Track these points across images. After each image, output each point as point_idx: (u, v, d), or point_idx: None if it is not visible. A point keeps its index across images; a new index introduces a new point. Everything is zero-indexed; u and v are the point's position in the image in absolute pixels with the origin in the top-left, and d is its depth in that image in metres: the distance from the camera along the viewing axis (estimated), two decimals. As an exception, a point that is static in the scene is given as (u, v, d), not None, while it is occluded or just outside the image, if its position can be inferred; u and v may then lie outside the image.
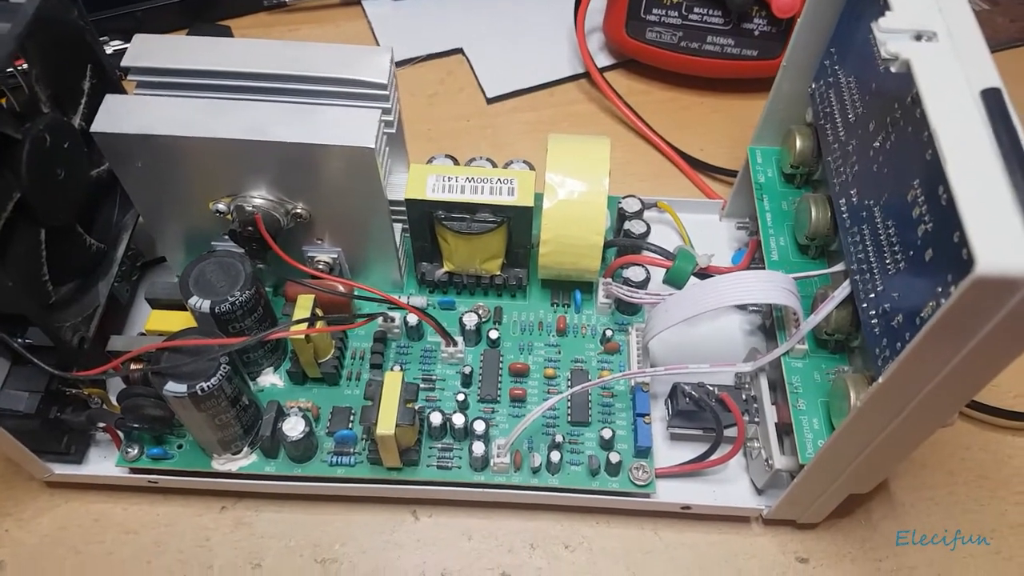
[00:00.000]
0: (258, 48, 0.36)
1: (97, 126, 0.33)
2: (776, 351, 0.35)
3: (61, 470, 0.38)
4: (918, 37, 0.27)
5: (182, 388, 0.32)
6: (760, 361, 0.36)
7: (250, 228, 0.36)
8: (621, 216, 0.44)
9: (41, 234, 0.33)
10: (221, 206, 0.36)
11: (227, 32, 0.59)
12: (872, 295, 0.31)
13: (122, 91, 0.37)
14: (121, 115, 0.34)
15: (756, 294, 0.34)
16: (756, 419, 0.38)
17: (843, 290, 0.33)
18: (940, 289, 0.26)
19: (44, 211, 0.33)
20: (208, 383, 0.32)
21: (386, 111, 0.35)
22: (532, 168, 0.41)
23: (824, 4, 0.36)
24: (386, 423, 0.34)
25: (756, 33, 0.52)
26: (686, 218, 0.47)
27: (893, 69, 0.26)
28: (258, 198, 0.36)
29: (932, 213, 0.27)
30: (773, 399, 0.37)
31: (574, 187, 0.39)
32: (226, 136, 0.33)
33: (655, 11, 0.53)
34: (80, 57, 0.36)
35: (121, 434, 0.38)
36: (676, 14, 0.52)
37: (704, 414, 0.38)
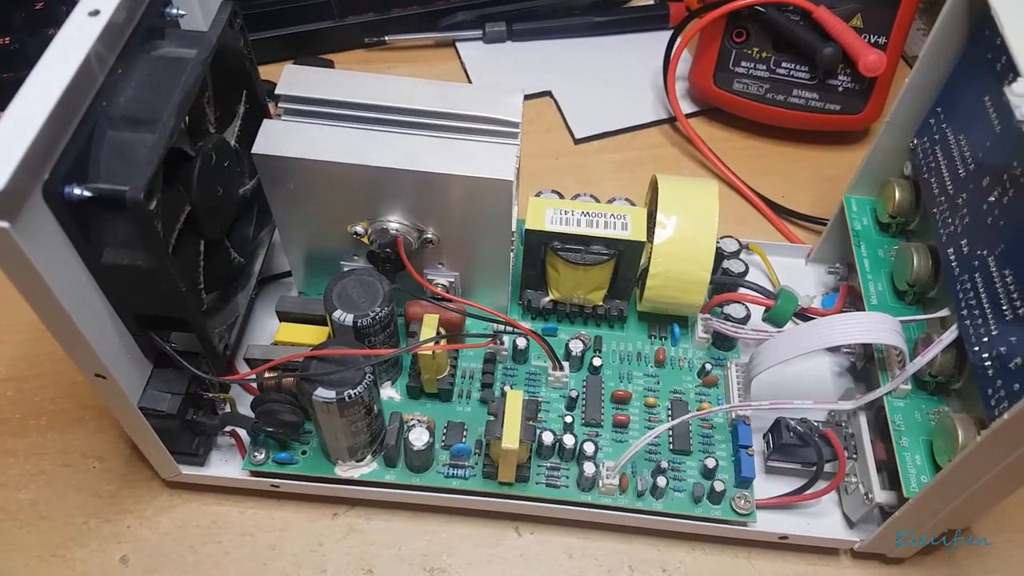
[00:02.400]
0: (398, 84, 0.38)
1: (258, 148, 0.36)
2: (882, 389, 0.37)
3: (188, 471, 0.40)
4: (1048, 102, 0.29)
5: (331, 394, 0.34)
6: (865, 399, 0.38)
7: (388, 250, 0.38)
8: (719, 255, 0.46)
9: (201, 245, 0.36)
10: (359, 228, 0.39)
11: (330, 65, 0.62)
12: (985, 339, 0.33)
13: (269, 117, 0.40)
14: (279, 139, 0.37)
15: (868, 334, 0.36)
16: (854, 455, 0.39)
17: (951, 334, 0.35)
18: (1066, 335, 0.28)
19: (206, 224, 0.35)
20: (355, 390, 0.34)
21: (517, 148, 0.38)
22: (635, 205, 0.43)
23: (933, 66, 0.38)
24: (511, 437, 0.36)
25: (840, 89, 0.55)
26: (772, 261, 0.49)
27: (1025, 131, 0.29)
28: (396, 223, 0.39)
29: (1055, 264, 0.29)
30: (874, 439, 0.39)
31: (684, 225, 0.41)
32: (378, 164, 0.36)
33: (744, 64, 0.56)
34: (240, 83, 0.38)
35: (247, 439, 0.40)
36: (764, 67, 0.55)
37: (803, 449, 0.39)
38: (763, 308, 0.43)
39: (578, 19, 0.65)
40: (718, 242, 0.46)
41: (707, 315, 0.44)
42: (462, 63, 0.63)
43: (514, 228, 0.41)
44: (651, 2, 0.67)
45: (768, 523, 0.40)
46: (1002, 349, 0.32)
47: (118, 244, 0.31)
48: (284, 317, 0.42)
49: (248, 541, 0.40)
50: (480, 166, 0.36)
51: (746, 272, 0.45)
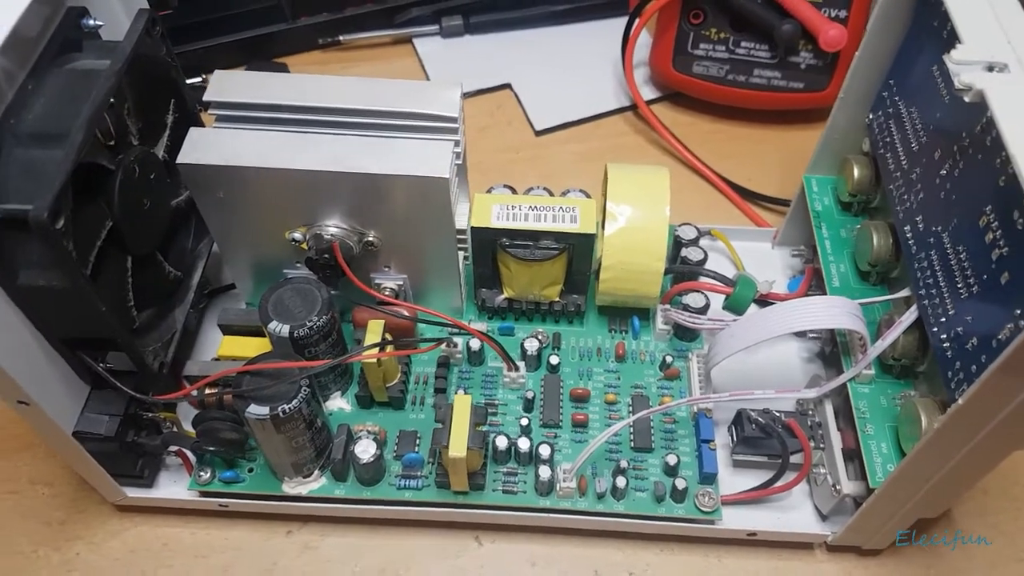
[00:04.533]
0: (331, 84, 0.37)
1: (183, 157, 0.35)
2: (844, 376, 0.36)
3: (134, 493, 0.39)
4: (990, 68, 0.28)
5: (264, 411, 0.33)
6: (828, 386, 0.36)
7: (326, 256, 0.37)
8: (677, 244, 0.44)
9: (128, 262, 0.34)
10: (297, 235, 0.37)
11: (284, 69, 0.61)
12: (943, 319, 0.31)
13: (201, 125, 0.39)
14: (205, 147, 0.35)
15: (824, 319, 0.34)
16: (821, 445, 0.38)
17: (911, 315, 0.34)
18: (1019, 311, 0.26)
19: (132, 239, 0.34)
20: (289, 405, 0.33)
21: (456, 143, 0.37)
22: (589, 197, 0.42)
23: (883, 38, 0.37)
24: (458, 445, 0.34)
25: (803, 66, 0.53)
26: (738, 246, 0.48)
27: (967, 99, 0.27)
28: (333, 227, 0.37)
29: (1007, 238, 0.28)
30: (839, 425, 0.37)
31: (635, 215, 0.39)
32: (307, 168, 0.35)
33: (702, 46, 0.54)
34: (165, 92, 0.37)
35: (193, 458, 0.39)
36: (723, 48, 0.54)
37: (769, 441, 0.38)
38: (723, 296, 0.41)
39: (537, 9, 0.64)
40: (675, 230, 0.44)
41: (667, 306, 0.42)
42: (420, 59, 0.62)
43: (465, 226, 0.40)
44: None
45: (735, 520, 0.38)
46: (959, 329, 0.30)
47: (32, 265, 0.30)
48: (227, 330, 0.40)
49: (201, 563, 0.39)
50: (415, 164, 0.35)
51: (705, 260, 0.43)
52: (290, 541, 0.40)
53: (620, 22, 0.59)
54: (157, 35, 0.36)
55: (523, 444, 0.38)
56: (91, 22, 0.35)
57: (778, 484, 0.38)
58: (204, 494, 0.39)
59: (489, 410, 0.40)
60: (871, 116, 0.39)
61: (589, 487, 0.38)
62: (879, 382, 0.36)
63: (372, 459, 0.36)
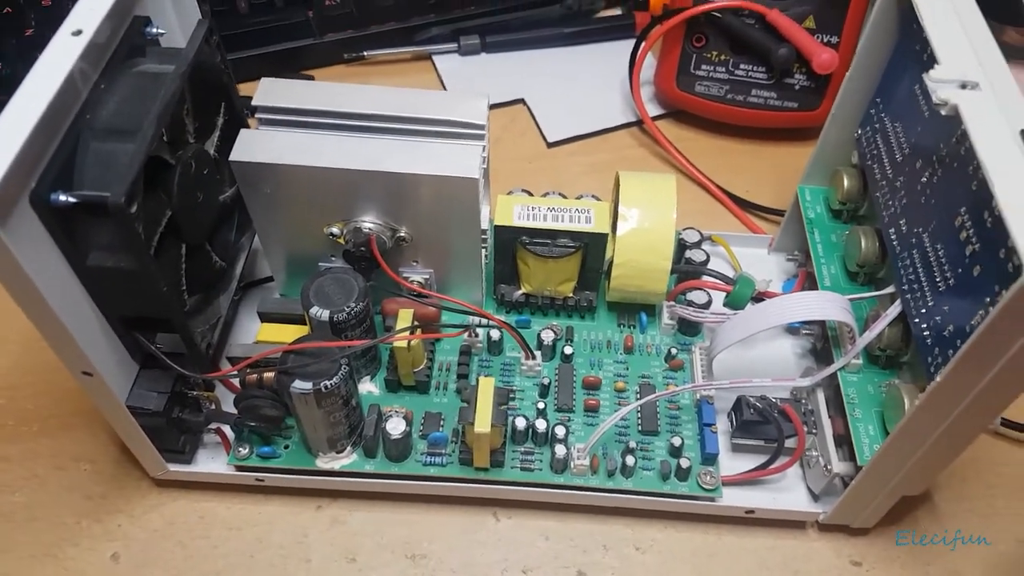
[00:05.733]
0: (368, 92, 0.41)
1: (235, 155, 0.38)
2: (835, 365, 0.39)
3: (175, 467, 0.42)
4: (963, 86, 0.31)
5: (307, 386, 0.36)
6: (820, 374, 0.40)
7: (363, 248, 0.40)
8: (682, 246, 0.48)
9: (183, 249, 0.38)
10: (334, 230, 0.41)
11: (310, 80, 0.64)
12: (923, 310, 0.35)
13: (247, 127, 0.42)
14: (255, 147, 0.39)
15: (817, 311, 0.38)
16: (813, 430, 0.41)
17: (895, 308, 0.37)
18: (988, 299, 0.30)
19: (188, 229, 0.37)
20: (331, 381, 0.36)
21: (483, 148, 0.40)
22: (600, 200, 0.45)
23: (870, 61, 0.40)
24: (483, 422, 0.38)
25: (797, 87, 0.57)
26: (737, 251, 0.51)
27: (943, 112, 0.31)
28: (369, 223, 0.41)
29: (979, 235, 0.31)
30: (830, 412, 0.41)
31: (645, 217, 0.43)
32: (348, 167, 0.38)
33: (704, 67, 0.58)
34: (218, 96, 0.41)
35: (231, 436, 0.42)
36: (724, 69, 0.58)
37: (765, 426, 0.41)
38: (724, 294, 0.45)
39: (549, 31, 0.68)
40: (680, 233, 0.48)
41: (672, 303, 0.46)
42: (439, 75, 0.66)
43: (486, 226, 0.43)
44: (618, 12, 0.70)
45: (735, 498, 0.41)
46: (938, 318, 0.34)
47: (102, 247, 0.33)
48: (265, 318, 0.44)
49: (235, 535, 0.42)
50: (446, 165, 0.38)
51: (707, 261, 0.47)
52: (320, 515, 0.43)
53: (626, 44, 0.63)
54: (214, 44, 0.39)
55: (540, 425, 0.41)
56: (154, 30, 0.38)
57: (774, 465, 0.41)
58: (241, 468, 0.42)
59: (509, 396, 0.43)
60: (859, 131, 0.43)
61: (601, 465, 0.41)
62: (866, 371, 0.40)
63: (401, 435, 0.39)
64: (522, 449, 0.42)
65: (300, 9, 0.64)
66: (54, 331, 0.32)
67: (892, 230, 0.39)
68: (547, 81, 0.65)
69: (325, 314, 0.39)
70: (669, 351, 0.45)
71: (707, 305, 0.45)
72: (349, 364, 0.37)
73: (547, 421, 0.41)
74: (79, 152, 0.32)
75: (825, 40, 0.55)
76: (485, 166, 0.41)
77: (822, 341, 0.44)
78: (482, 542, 0.42)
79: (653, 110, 0.63)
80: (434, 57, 0.67)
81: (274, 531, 0.42)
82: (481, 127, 0.40)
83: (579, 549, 0.42)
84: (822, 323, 0.43)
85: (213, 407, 0.42)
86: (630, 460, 0.40)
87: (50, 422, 0.46)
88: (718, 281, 0.45)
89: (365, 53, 0.66)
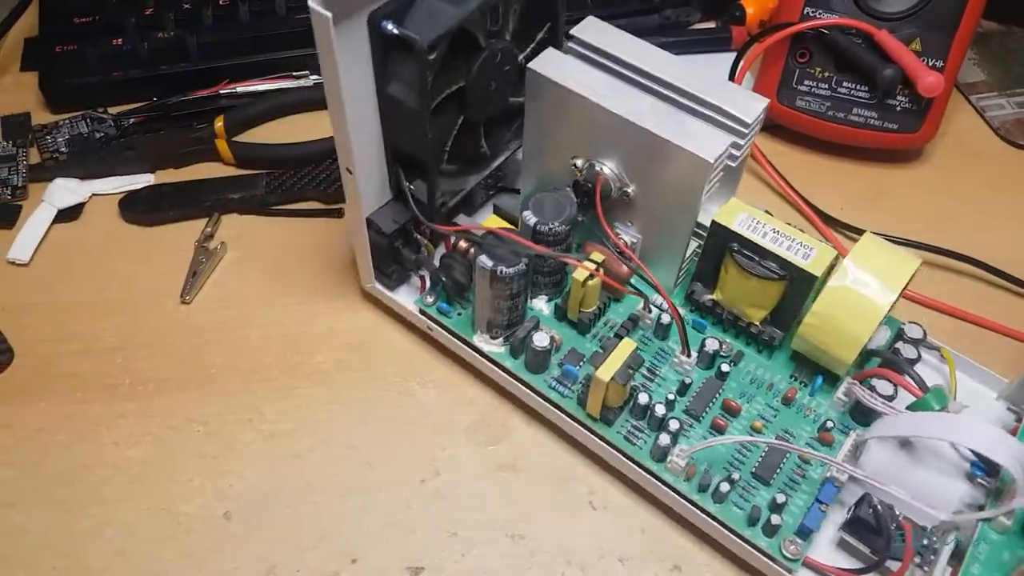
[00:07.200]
0: (665, 58, 0.44)
1: (535, 65, 0.44)
2: (979, 513, 0.35)
3: (380, 287, 0.50)
4: None
5: (489, 264, 0.41)
6: (960, 517, 0.36)
7: (589, 185, 0.44)
8: (899, 336, 0.45)
9: (459, 120, 0.45)
10: (578, 162, 0.45)
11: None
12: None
13: (560, 50, 0.48)
14: (552, 65, 0.44)
15: (989, 448, 0.34)
16: (923, 566, 0.37)
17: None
18: None
19: (471, 105, 0.44)
20: (508, 269, 0.41)
21: (736, 145, 0.42)
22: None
23: None
24: (606, 371, 0.40)
25: (898, 108, 0.58)
26: (962, 379, 0.46)
27: None
28: (607, 167, 0.44)
29: None
30: (951, 562, 0.37)
31: (865, 282, 0.41)
32: (612, 109, 0.42)
33: (807, 82, 0.59)
34: (547, 15, 0.47)
35: (428, 283, 0.49)
36: (826, 86, 0.59)
37: (876, 536, 0.38)
38: (913, 398, 0.41)
39: (647, 39, 0.65)
40: (904, 324, 0.45)
41: (856, 382, 0.43)
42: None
43: (706, 221, 0.44)
44: (713, 25, 0.69)
45: (808, 584, 0.39)
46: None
47: (401, 81, 0.41)
48: (497, 211, 0.50)
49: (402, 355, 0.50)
50: (689, 140, 0.41)
51: (917, 360, 0.43)
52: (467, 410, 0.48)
53: (721, 56, 0.65)
54: (563, -29, 0.45)
55: (659, 410, 0.42)
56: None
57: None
58: (423, 313, 0.49)
59: (648, 375, 0.45)
60: None
61: (696, 476, 0.41)
62: (1013, 537, 0.35)
63: (542, 349, 0.43)
64: (634, 423, 0.43)
65: None
66: (338, 123, 0.40)
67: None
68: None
69: (532, 220, 0.44)
70: (826, 423, 0.43)
71: (889, 399, 0.42)
72: (528, 264, 0.42)
73: (667, 410, 0.42)
74: (416, 2, 0.40)
75: (930, 64, 0.56)
76: (733, 164, 0.43)
77: (994, 497, 0.39)
78: (564, 478, 0.45)
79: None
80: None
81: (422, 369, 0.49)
82: (746, 124, 0.41)
83: (672, 546, 0.42)
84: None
85: (427, 255, 0.50)
86: (725, 487, 0.40)
87: (165, 384, 0.48)
88: (912, 383, 0.42)
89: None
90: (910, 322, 0.45)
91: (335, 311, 0.52)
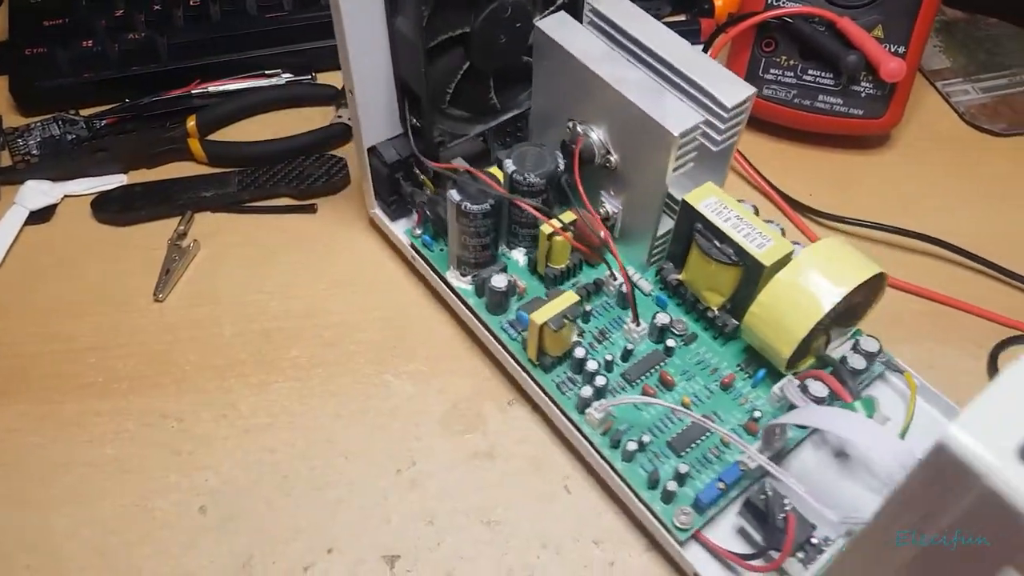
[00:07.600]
0: (666, 35, 0.45)
1: (541, 24, 0.46)
2: (864, 517, 0.35)
3: (379, 214, 0.54)
4: None
5: (457, 197, 0.45)
6: (849, 522, 0.36)
7: (572, 146, 0.46)
8: (854, 347, 0.45)
9: (464, 65, 0.48)
10: (573, 125, 0.47)
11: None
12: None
13: (578, 18, 0.50)
14: (559, 27, 0.46)
15: (864, 438, 0.34)
16: (807, 564, 0.38)
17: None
18: None
19: (475, 52, 0.47)
20: (472, 206, 0.44)
21: (713, 126, 0.43)
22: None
23: None
24: (541, 315, 0.42)
25: (863, 95, 0.59)
26: (923, 407, 0.45)
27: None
28: (595, 133, 0.46)
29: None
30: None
31: (814, 280, 0.41)
32: (600, 75, 0.44)
33: (772, 71, 0.60)
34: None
35: (422, 218, 0.52)
36: (792, 74, 0.60)
37: (761, 523, 0.39)
38: (841, 401, 0.41)
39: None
40: (859, 336, 0.44)
41: (795, 380, 0.43)
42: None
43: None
44: (683, 18, 0.69)
45: (696, 558, 0.40)
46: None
47: (405, 15, 0.44)
48: (498, 163, 0.53)
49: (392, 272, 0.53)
50: (663, 113, 0.42)
51: (863, 372, 0.43)
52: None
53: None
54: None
55: (591, 365, 0.44)
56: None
57: (742, 560, 0.38)
58: (412, 246, 0.52)
59: (598, 337, 0.47)
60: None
61: (610, 432, 0.43)
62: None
63: (499, 290, 0.46)
64: (570, 375, 0.45)
65: None
66: (340, 40, 0.44)
67: None
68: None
69: (511, 168, 0.46)
70: (754, 413, 0.43)
71: (820, 401, 0.42)
72: (493, 206, 0.44)
73: (600, 368, 0.44)
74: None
75: (892, 50, 0.57)
76: (716, 149, 0.44)
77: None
78: (500, 411, 0.47)
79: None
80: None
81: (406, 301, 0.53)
82: (725, 108, 0.42)
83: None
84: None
85: (425, 191, 0.53)
86: (632, 446, 0.41)
87: (139, 382, 0.48)
88: (845, 390, 0.41)
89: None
90: (869, 336, 0.45)
91: (307, 307, 0.52)
